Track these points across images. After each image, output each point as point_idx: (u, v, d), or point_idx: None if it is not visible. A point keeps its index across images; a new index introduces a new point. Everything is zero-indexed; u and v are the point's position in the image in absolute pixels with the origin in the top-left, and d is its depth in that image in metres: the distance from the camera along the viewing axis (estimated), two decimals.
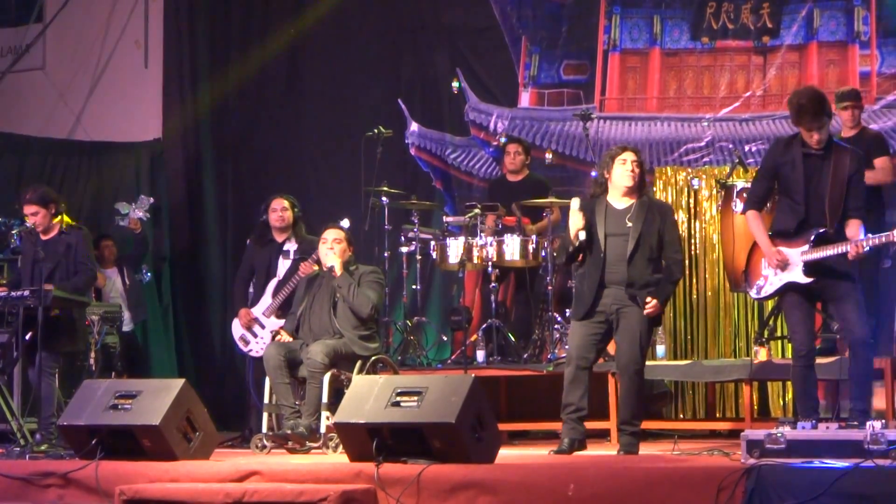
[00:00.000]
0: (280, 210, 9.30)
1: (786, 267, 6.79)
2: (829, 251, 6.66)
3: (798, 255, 6.76)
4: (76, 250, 8.60)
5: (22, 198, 8.76)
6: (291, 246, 9.24)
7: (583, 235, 7.26)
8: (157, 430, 6.92)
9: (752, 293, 7.05)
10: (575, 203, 7.34)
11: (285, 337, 8.31)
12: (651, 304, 7.21)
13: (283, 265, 9.20)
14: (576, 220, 7.28)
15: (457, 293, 10.40)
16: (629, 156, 7.33)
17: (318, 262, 8.55)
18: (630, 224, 7.27)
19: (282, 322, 8.91)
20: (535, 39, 11.81)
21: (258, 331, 9.19)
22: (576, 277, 7.57)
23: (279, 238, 9.31)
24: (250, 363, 9.42)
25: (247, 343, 9.28)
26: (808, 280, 6.74)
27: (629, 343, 7.26)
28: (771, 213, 7.23)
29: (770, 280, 6.88)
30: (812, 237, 6.73)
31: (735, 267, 9.05)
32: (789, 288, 6.82)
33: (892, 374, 8.23)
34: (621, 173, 7.31)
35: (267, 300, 9.19)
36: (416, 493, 6.03)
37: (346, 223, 8.74)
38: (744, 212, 7.08)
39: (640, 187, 7.38)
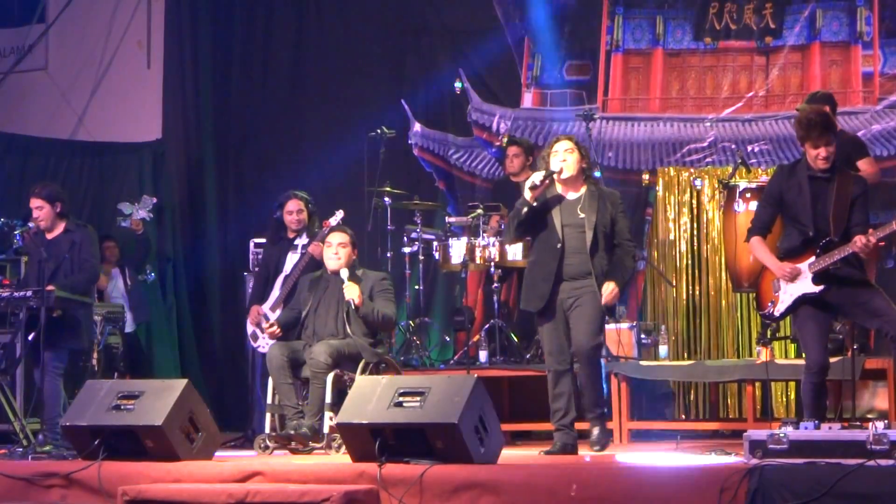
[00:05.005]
0: (296, 213, 9.34)
1: (796, 280, 6.78)
2: (836, 256, 6.66)
3: (806, 267, 6.76)
4: (80, 248, 8.61)
5: (31, 191, 8.78)
6: (302, 241, 9.26)
7: (538, 178, 7.15)
8: (160, 430, 6.92)
9: (767, 315, 6.99)
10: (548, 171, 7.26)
11: (276, 329, 8.30)
12: (610, 291, 7.15)
13: (292, 260, 9.22)
14: (535, 176, 7.22)
15: (459, 293, 10.40)
16: (560, 146, 7.31)
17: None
18: (583, 214, 7.23)
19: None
20: (538, 40, 11.80)
21: (265, 327, 9.22)
22: (527, 265, 7.51)
23: (292, 234, 9.35)
24: (259, 360, 9.43)
25: (256, 339, 9.34)
26: (819, 288, 6.71)
27: (585, 323, 7.18)
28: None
29: (782, 298, 6.85)
30: (818, 248, 6.73)
31: (737, 267, 9.05)
32: (803, 301, 6.79)
33: (894, 375, 8.23)
34: (553, 163, 7.29)
35: (275, 295, 9.23)
36: (418, 493, 6.03)
37: (340, 214, 8.78)
38: (748, 239, 7.03)
39: (585, 175, 7.33)
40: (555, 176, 7.25)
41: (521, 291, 7.51)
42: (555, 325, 7.26)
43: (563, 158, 7.26)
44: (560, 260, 7.21)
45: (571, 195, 7.31)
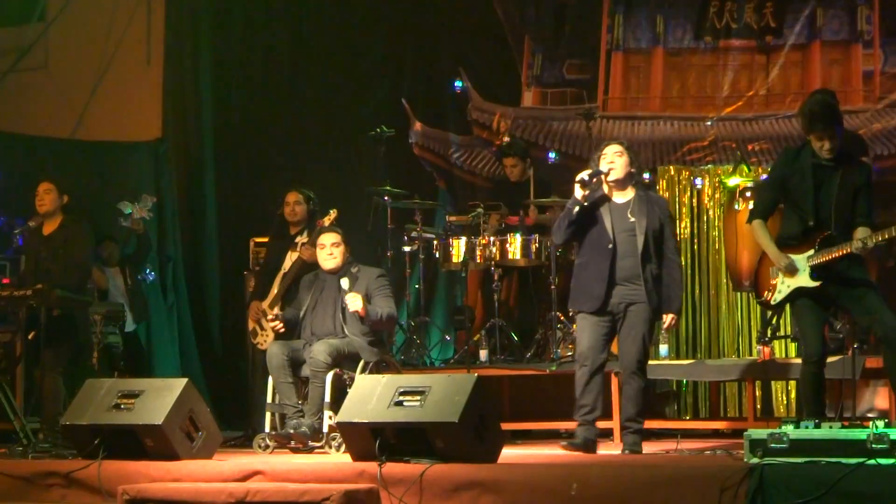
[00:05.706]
0: (293, 204, 9.33)
1: (794, 272, 6.76)
2: (835, 253, 6.64)
3: (805, 260, 6.74)
4: (73, 245, 8.59)
5: (43, 177, 8.78)
6: (302, 239, 9.25)
7: (585, 175, 7.18)
8: (160, 429, 6.91)
9: (764, 302, 7.01)
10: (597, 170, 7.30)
11: (278, 323, 8.29)
12: (671, 320, 7.38)
13: (292, 257, 9.21)
14: (583, 173, 7.23)
15: (460, 293, 10.40)
16: (609, 149, 7.34)
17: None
18: (633, 218, 7.27)
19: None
20: (538, 39, 11.80)
21: (265, 324, 9.21)
22: (575, 266, 7.53)
23: (293, 231, 9.34)
24: (260, 359, 9.41)
25: (255, 336, 9.32)
26: (816, 284, 6.71)
27: (633, 341, 7.30)
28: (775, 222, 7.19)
29: (779, 288, 6.84)
30: (817, 241, 6.71)
31: (738, 266, 9.05)
32: (799, 294, 6.79)
33: (889, 375, 8.21)
34: (602, 166, 7.31)
35: (273, 292, 9.22)
36: (418, 492, 6.02)
37: (333, 213, 8.77)
38: (749, 221, 7.01)
39: (635, 181, 7.39)
40: (602, 177, 7.29)
41: (570, 292, 7.55)
42: (598, 324, 7.32)
43: (612, 160, 7.29)
44: (612, 261, 7.26)
45: (620, 198, 7.35)
